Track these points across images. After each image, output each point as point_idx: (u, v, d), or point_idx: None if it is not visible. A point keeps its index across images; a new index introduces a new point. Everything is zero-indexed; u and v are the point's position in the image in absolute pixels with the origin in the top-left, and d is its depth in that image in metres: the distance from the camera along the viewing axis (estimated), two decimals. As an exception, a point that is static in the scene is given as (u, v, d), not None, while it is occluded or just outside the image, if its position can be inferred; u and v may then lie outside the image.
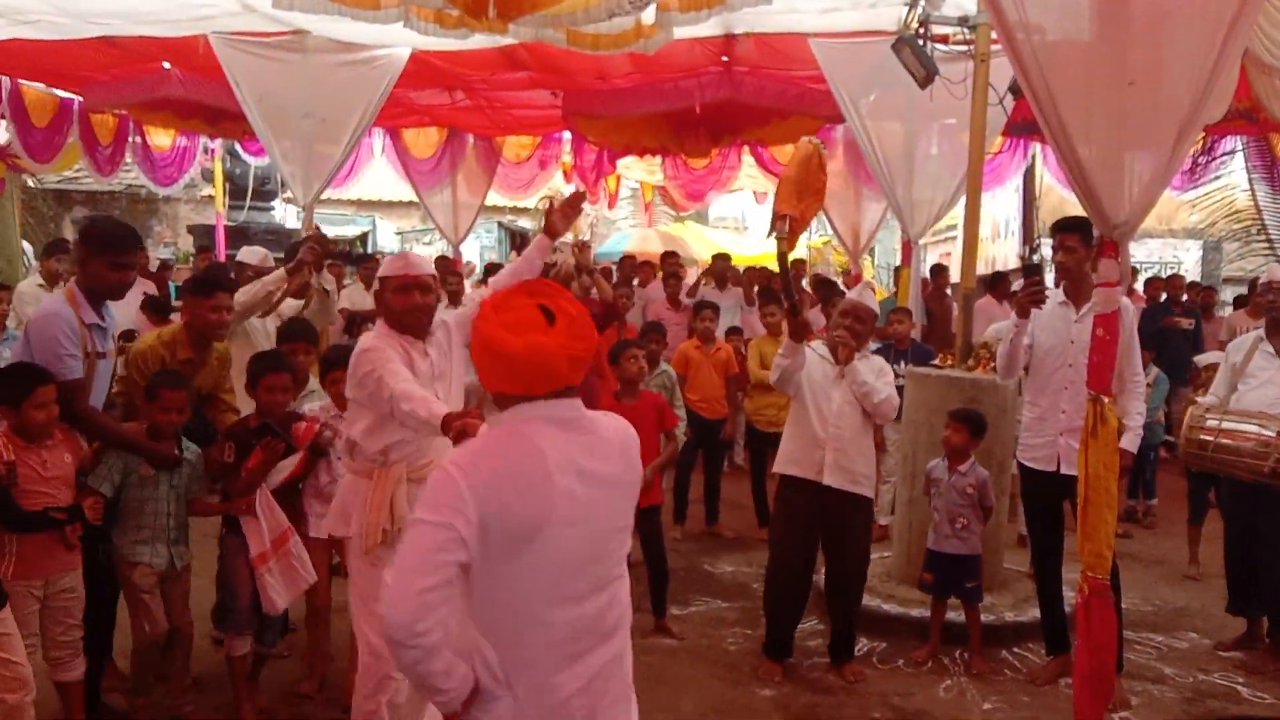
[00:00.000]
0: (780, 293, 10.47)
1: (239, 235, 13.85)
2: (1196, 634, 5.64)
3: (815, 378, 4.87)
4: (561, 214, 4.30)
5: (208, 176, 14.76)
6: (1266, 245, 11.82)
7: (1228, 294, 13.93)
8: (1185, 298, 10.82)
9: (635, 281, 10.52)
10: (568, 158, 13.78)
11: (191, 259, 14.44)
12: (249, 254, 5.94)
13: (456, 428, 3.14)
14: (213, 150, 13.84)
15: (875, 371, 4.92)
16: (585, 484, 2.10)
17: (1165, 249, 17.51)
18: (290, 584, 4.24)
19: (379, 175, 13.91)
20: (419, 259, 3.92)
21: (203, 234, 14.56)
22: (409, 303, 3.70)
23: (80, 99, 11.28)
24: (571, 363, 2.11)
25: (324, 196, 9.64)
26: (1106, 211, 3.57)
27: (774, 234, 4.51)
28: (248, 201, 14.88)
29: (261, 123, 8.63)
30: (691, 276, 11.72)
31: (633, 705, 2.27)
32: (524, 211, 20.93)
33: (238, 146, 13.55)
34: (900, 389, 6.34)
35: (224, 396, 4.80)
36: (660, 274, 10.47)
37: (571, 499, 2.07)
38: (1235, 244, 13.13)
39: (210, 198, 15.60)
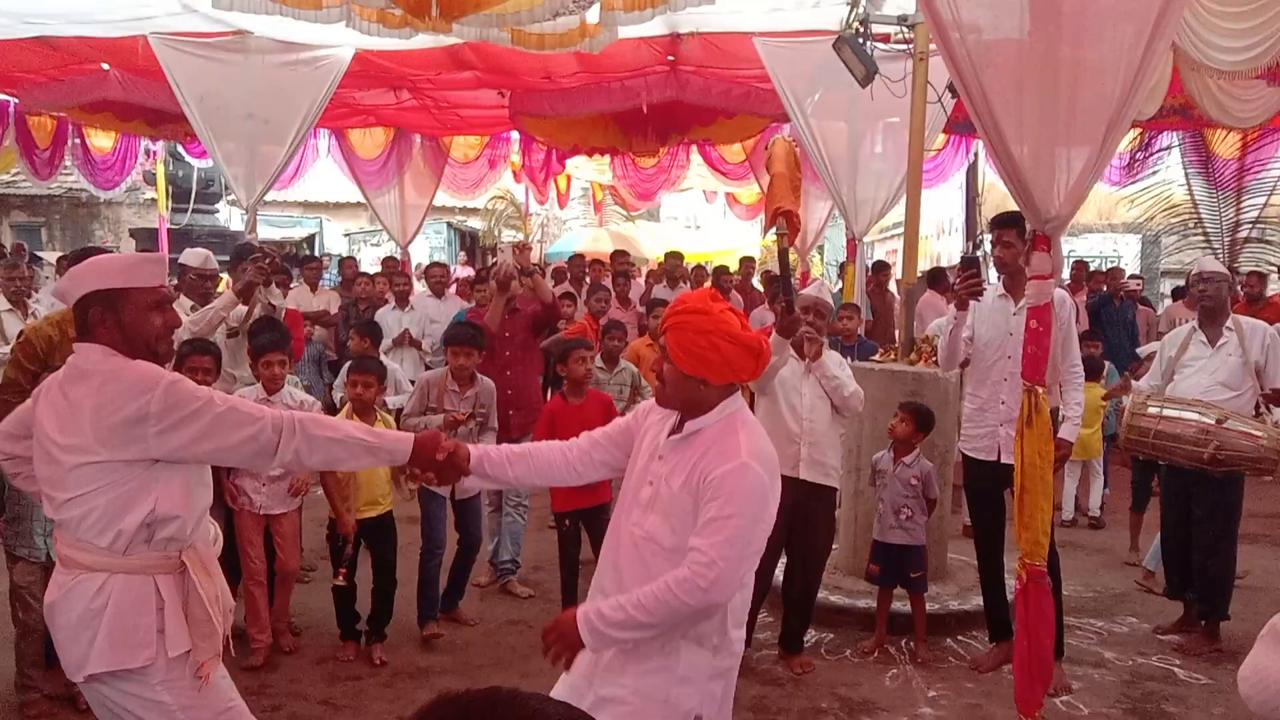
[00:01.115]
0: (733, 289, 10.56)
1: (183, 238, 13.69)
2: (1135, 619, 5.77)
3: (784, 375, 4.90)
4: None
5: (150, 179, 14.57)
6: (1203, 238, 12.12)
7: (1166, 286, 14.26)
8: (1135, 287, 10.92)
9: (587, 279, 10.52)
10: (516, 158, 13.77)
11: (134, 263, 14.20)
12: (191, 256, 5.88)
13: (444, 451, 2.72)
14: (154, 153, 13.66)
15: (837, 364, 5.01)
16: None
17: (1105, 243, 17.88)
18: None
19: (325, 176, 13.83)
20: (160, 261, 2.93)
21: (145, 237, 14.37)
22: (165, 325, 2.73)
23: (16, 101, 11.09)
24: None
25: (269, 198, 9.56)
26: (1039, 206, 3.65)
27: (774, 230, 4.51)
28: (191, 204, 14.73)
29: (203, 124, 8.54)
30: (642, 276, 11.78)
31: None
32: (473, 212, 20.89)
33: (180, 148, 13.38)
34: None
35: None
36: (610, 273, 10.50)
37: None
38: (1173, 237, 13.44)
39: (153, 201, 15.39)
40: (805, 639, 5.22)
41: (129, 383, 2.53)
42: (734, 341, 2.52)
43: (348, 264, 11.88)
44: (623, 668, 2.53)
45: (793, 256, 10.80)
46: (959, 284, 4.98)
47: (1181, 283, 12.06)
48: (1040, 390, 3.77)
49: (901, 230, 17.21)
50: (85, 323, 2.63)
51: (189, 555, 2.64)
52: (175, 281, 5.90)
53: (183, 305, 5.70)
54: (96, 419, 2.50)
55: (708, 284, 10.56)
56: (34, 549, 4.20)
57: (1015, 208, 5.03)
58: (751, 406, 5.11)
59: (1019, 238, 4.77)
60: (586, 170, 15.25)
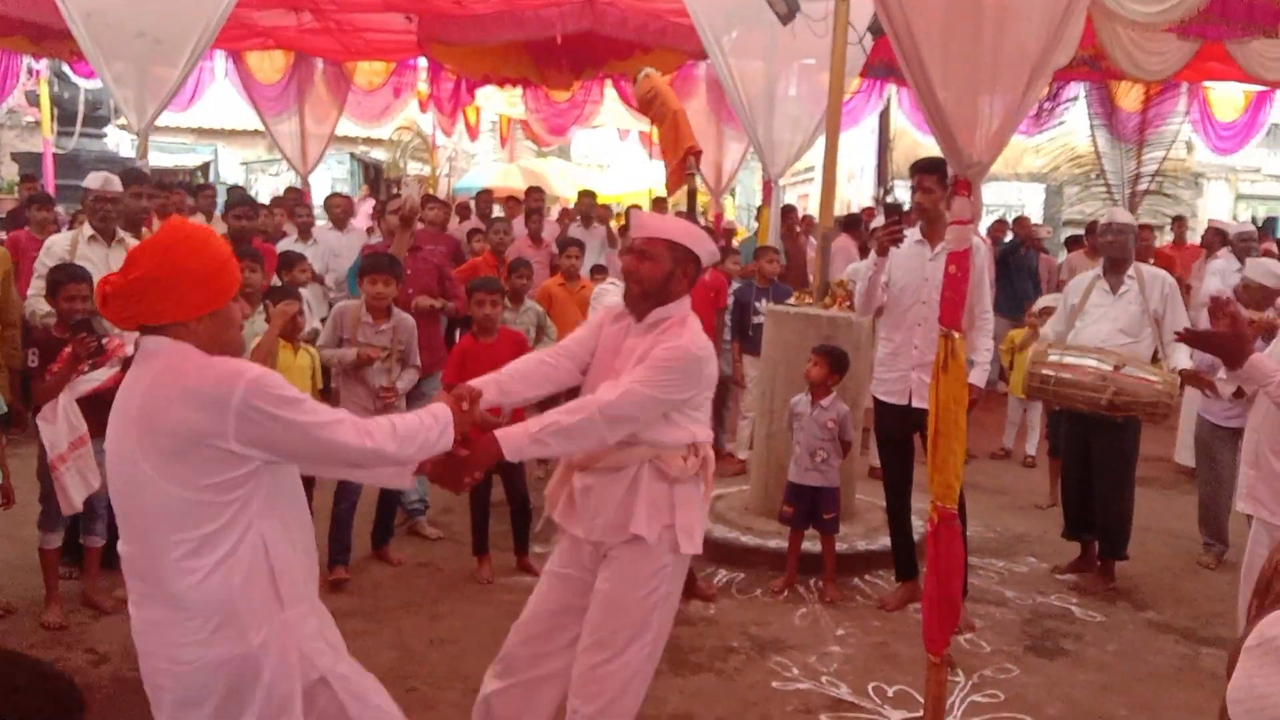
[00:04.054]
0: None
1: (69, 164, 12.96)
2: (1035, 559, 5.95)
3: None
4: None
5: (33, 101, 13.74)
6: (1105, 189, 12.42)
7: (1064, 236, 14.61)
8: (1045, 235, 11.12)
9: (497, 216, 10.29)
10: (424, 86, 13.35)
11: (15, 188, 13.46)
12: (92, 179, 5.59)
13: (470, 400, 2.72)
14: (37, 72, 12.87)
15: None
16: None
17: (1010, 192, 18.23)
18: (84, 485, 4.44)
19: (221, 102, 13.23)
20: None
21: (28, 162, 13.60)
22: None
23: (-118, 10, 10.28)
24: None
25: (161, 123, 9.10)
26: (961, 151, 3.62)
27: (690, 172, 4.43)
28: (78, 128, 13.91)
29: (90, 42, 8.02)
30: (553, 215, 11.57)
31: None
32: (378, 143, 20.28)
33: (66, 68, 12.62)
34: (759, 326, 6.43)
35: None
36: (524, 210, 10.28)
37: None
38: (1075, 188, 13.75)
39: (36, 124, 14.56)
40: (716, 579, 5.28)
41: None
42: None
43: (234, 192, 11.37)
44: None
45: (704, 199, 10.82)
46: (882, 230, 4.98)
47: (1079, 233, 12.40)
48: (956, 335, 3.77)
49: (813, 174, 17.25)
50: None
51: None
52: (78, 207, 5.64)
53: (84, 233, 5.48)
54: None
55: (618, 225, 10.43)
56: None
57: (928, 154, 5.10)
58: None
59: (939, 184, 4.78)
60: (497, 102, 14.89)
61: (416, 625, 4.74)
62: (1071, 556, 5.77)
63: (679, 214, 12.02)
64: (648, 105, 4.43)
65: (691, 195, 4.47)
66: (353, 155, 21.15)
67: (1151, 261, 7.04)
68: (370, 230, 9.46)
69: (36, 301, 5.12)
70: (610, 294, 4.96)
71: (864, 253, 8.34)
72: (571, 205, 11.77)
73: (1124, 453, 5.40)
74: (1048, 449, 6.96)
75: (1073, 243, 11.39)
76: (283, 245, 8.22)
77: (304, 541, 2.42)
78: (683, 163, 4.35)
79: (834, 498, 5.23)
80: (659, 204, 12.19)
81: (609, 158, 24.62)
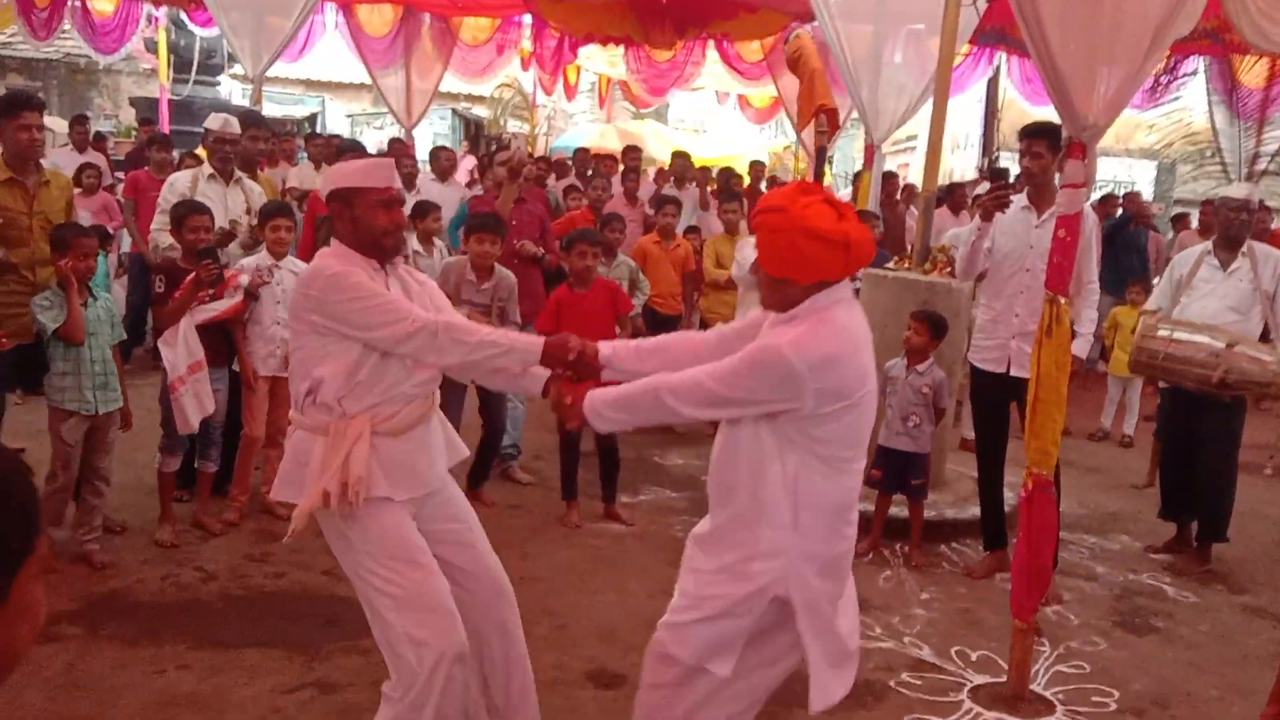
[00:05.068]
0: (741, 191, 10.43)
1: (183, 110, 13.40)
2: (1128, 537, 5.85)
3: None
4: None
5: (151, 48, 14.18)
6: (1220, 168, 11.96)
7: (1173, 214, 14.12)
8: (1156, 212, 10.85)
9: (589, 174, 10.35)
10: (527, 44, 13.42)
11: (134, 132, 13.96)
12: (213, 120, 5.83)
13: (574, 350, 2.76)
14: (156, 19, 13.27)
15: None
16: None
17: (1121, 167, 17.68)
18: (199, 408, 4.65)
19: (330, 55, 13.48)
20: (390, 165, 3.18)
21: (145, 107, 14.06)
22: (391, 221, 2.94)
23: (15, -45, 10.72)
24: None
25: (272, 74, 9.34)
26: (1078, 112, 3.57)
27: (815, 126, 4.45)
28: (193, 75, 14.36)
29: (211, -10, 8.28)
30: (649, 176, 11.59)
31: None
32: (478, 100, 20.49)
33: (183, 16, 12.99)
34: (857, 291, 6.38)
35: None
36: (621, 169, 10.33)
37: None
38: (1189, 166, 13.28)
39: (153, 71, 15.02)
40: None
41: (307, 271, 2.98)
42: (814, 237, 2.38)
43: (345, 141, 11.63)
44: (710, 549, 2.63)
45: (801, 165, 10.71)
46: (987, 195, 4.92)
47: (1188, 211, 11.99)
48: (1062, 301, 3.74)
49: (913, 143, 16.92)
50: (329, 219, 3.18)
51: (338, 424, 2.84)
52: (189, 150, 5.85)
53: (204, 171, 5.69)
54: (292, 296, 3.09)
55: (711, 187, 10.38)
56: (84, 402, 4.37)
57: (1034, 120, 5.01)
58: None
59: (1049, 149, 4.69)
60: (598, 62, 14.88)
61: (508, 562, 4.80)
62: (1166, 537, 5.66)
63: (774, 179, 11.96)
64: (794, 64, 4.47)
65: (820, 153, 4.48)
66: (454, 111, 21.41)
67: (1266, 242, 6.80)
68: (470, 184, 9.62)
69: (160, 235, 5.35)
70: (751, 243, 5.02)
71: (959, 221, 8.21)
72: (666, 167, 11.77)
73: (1230, 433, 5.27)
74: (1154, 429, 6.80)
75: (1177, 221, 11.03)
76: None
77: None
78: (810, 118, 4.38)
79: (923, 464, 5.21)
80: (756, 167, 12.11)
81: (706, 121, 24.48)
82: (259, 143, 6.35)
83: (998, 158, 12.27)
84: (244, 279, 4.96)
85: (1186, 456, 5.40)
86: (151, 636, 3.91)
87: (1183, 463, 5.44)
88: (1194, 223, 10.78)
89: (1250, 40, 7.53)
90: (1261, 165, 11.74)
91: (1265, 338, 5.20)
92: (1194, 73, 11.78)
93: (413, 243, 5.83)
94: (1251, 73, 11.43)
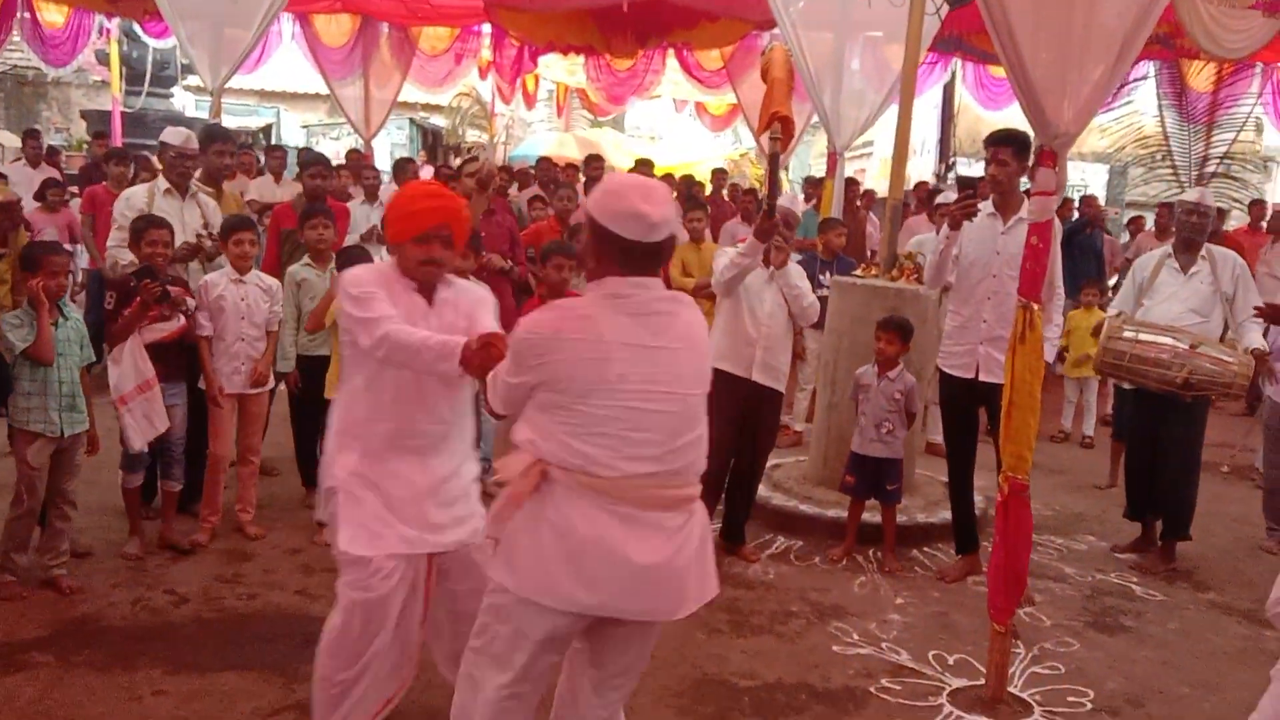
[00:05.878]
0: (717, 201, 10.46)
1: (136, 123, 13.20)
2: (1094, 537, 5.93)
3: (750, 280, 5.04)
4: None
5: (102, 59, 13.97)
6: (1171, 171, 12.19)
7: (1127, 217, 14.37)
8: (1113, 216, 11.03)
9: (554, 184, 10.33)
10: (486, 53, 13.39)
11: (86, 146, 13.74)
12: (173, 134, 5.68)
13: (479, 355, 2.81)
14: (108, 30, 13.08)
15: (798, 275, 5.19)
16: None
17: (1074, 172, 17.93)
18: (148, 428, 4.58)
19: (284, 65, 13.35)
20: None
21: (98, 120, 13.84)
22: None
23: (-38, -33, 10.52)
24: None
25: (228, 86, 9.21)
26: (1050, 120, 3.61)
27: (768, 135, 4.49)
28: (145, 87, 14.14)
29: (168, 2, 8.17)
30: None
31: None
32: (436, 109, 20.37)
33: (136, 28, 12.82)
34: (824, 299, 6.45)
35: None
36: (583, 179, 10.33)
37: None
38: (1140, 169, 13.51)
39: (103, 83, 14.80)
40: (775, 546, 5.37)
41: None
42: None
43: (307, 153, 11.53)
44: None
45: (757, 170, 10.77)
46: (955, 204, 4.97)
47: (1143, 214, 12.20)
48: (1035, 307, 3.78)
49: (869, 149, 17.05)
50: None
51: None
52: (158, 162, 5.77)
53: (159, 186, 5.58)
54: None
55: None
56: (49, 424, 4.25)
57: (992, 130, 5.09)
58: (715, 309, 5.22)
59: (1014, 156, 4.75)
60: (557, 70, 14.89)
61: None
62: (1130, 537, 5.74)
63: (734, 186, 12.00)
64: (764, 73, 4.54)
65: (773, 159, 4.51)
66: (412, 120, 21.28)
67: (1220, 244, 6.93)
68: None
69: (119, 251, 5.24)
70: (728, 254, 5.11)
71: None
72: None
73: (1192, 434, 5.36)
74: (1111, 431, 6.91)
75: (1132, 224, 11.21)
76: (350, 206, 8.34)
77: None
78: (766, 125, 4.40)
79: (898, 469, 5.25)
80: (718, 175, 12.16)
81: (662, 129, 24.55)
82: (225, 157, 6.23)
83: (954, 164, 12.41)
84: (191, 301, 4.89)
85: (1149, 457, 5.49)
86: (125, 663, 3.83)
87: (1146, 463, 5.53)
88: (1149, 225, 10.98)
89: (1203, 46, 7.70)
90: (1210, 168, 11.99)
91: (1224, 338, 5.31)
92: (1145, 77, 12.01)
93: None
94: (1200, 77, 11.69)
